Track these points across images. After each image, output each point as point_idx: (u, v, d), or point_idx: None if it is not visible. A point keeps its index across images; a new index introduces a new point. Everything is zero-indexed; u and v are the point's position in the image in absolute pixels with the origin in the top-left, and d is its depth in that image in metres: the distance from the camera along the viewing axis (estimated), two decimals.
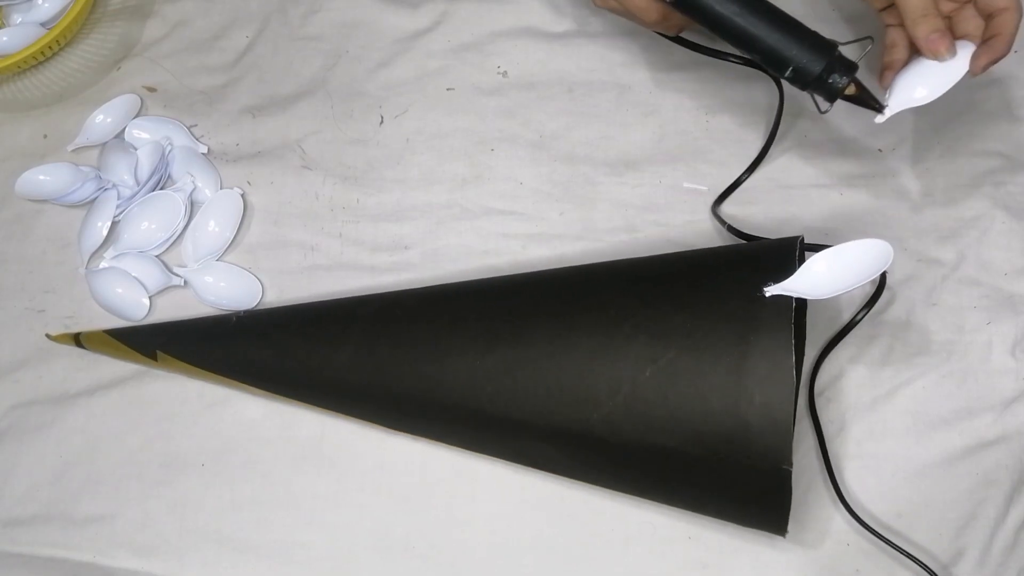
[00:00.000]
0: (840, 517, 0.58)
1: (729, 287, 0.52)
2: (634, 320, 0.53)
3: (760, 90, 0.69)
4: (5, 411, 0.66)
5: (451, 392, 0.56)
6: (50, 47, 0.71)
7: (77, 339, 0.66)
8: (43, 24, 0.74)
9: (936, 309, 0.62)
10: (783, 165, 0.67)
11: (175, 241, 0.69)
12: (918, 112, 0.68)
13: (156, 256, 0.69)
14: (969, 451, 0.59)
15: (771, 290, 0.50)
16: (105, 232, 0.69)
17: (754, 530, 0.57)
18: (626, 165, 0.68)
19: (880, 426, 0.60)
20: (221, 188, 0.70)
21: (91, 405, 0.65)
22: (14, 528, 0.63)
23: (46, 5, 0.75)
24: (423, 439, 0.61)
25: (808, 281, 0.50)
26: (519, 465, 0.59)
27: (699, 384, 0.50)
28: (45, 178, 0.70)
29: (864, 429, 0.60)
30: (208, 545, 0.61)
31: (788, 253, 0.52)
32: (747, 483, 0.50)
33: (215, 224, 0.69)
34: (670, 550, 0.59)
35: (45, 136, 0.74)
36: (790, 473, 0.49)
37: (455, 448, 0.61)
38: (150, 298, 0.67)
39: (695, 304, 0.52)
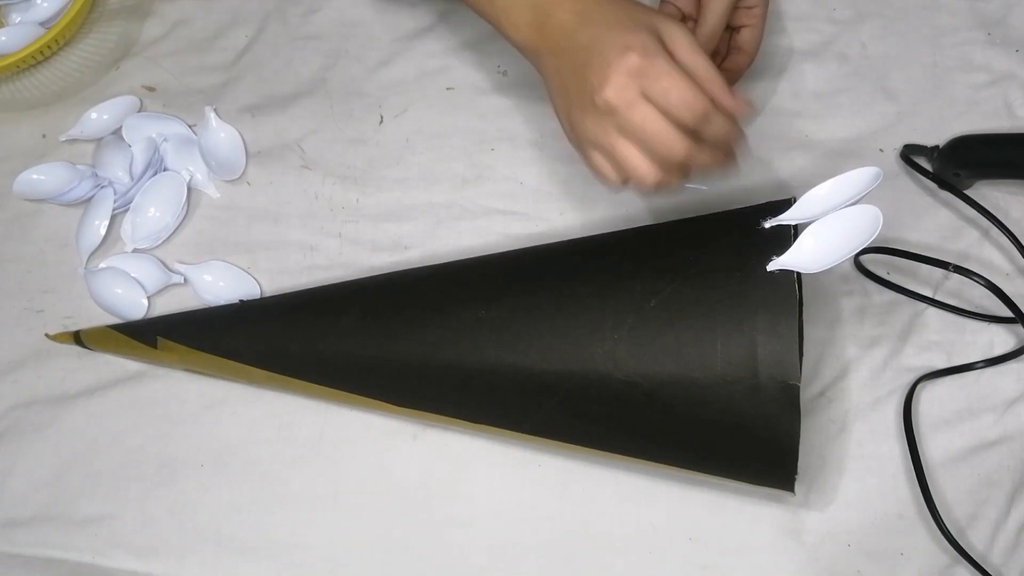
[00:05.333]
0: (839, 516, 0.58)
1: (729, 226, 0.55)
2: (637, 259, 0.55)
3: (760, 90, 0.69)
4: (4, 411, 0.66)
5: (454, 348, 0.56)
6: (49, 47, 0.71)
7: (77, 336, 0.66)
8: (42, 23, 0.74)
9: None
10: (784, 165, 0.67)
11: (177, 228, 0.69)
12: (918, 112, 0.68)
13: (154, 253, 0.69)
14: (970, 451, 0.59)
15: (770, 222, 0.52)
16: (103, 231, 0.68)
17: (762, 495, 0.56)
18: None
19: (881, 426, 0.60)
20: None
21: (90, 406, 0.65)
22: (13, 529, 0.63)
23: (45, 4, 0.75)
24: (425, 414, 0.59)
25: (805, 211, 0.51)
26: (520, 438, 0.58)
27: (704, 308, 0.51)
28: (41, 177, 0.70)
29: (865, 429, 0.60)
30: (207, 545, 0.61)
31: (783, 204, 0.54)
32: (755, 411, 0.50)
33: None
34: (670, 550, 0.58)
35: (44, 136, 0.73)
36: (798, 389, 0.49)
37: (455, 426, 0.60)
38: (149, 298, 0.67)
39: (697, 241, 0.55)
